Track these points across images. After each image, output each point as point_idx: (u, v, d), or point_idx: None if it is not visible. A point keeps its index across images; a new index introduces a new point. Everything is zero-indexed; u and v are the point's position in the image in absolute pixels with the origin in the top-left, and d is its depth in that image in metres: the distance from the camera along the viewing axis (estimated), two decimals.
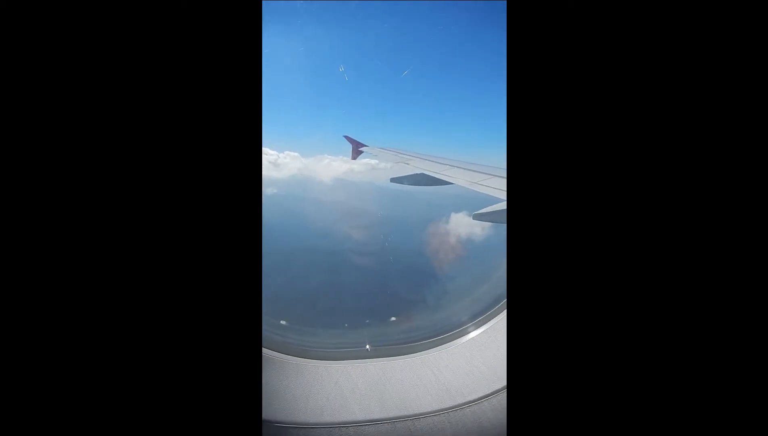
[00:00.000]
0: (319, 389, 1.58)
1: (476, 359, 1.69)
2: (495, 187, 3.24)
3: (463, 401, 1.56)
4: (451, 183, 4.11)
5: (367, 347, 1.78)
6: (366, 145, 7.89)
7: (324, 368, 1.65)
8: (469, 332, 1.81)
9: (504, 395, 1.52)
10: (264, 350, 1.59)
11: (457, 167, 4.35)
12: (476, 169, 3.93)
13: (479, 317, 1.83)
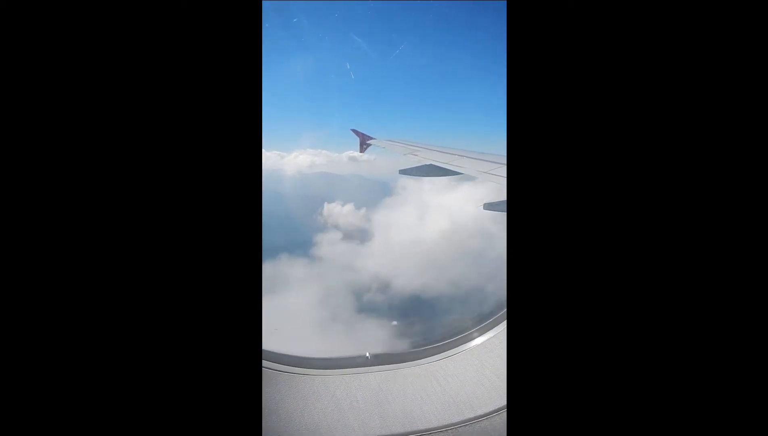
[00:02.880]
0: (315, 402, 1.46)
1: (486, 367, 1.55)
2: (505, 177, 3.09)
3: (473, 415, 1.42)
4: (461, 173, 4.02)
5: (367, 354, 1.66)
6: (373, 138, 7.85)
7: (320, 379, 1.52)
8: (477, 337, 1.67)
9: None
10: None
11: (467, 157, 4.27)
12: (486, 159, 3.81)
13: (487, 320, 1.69)
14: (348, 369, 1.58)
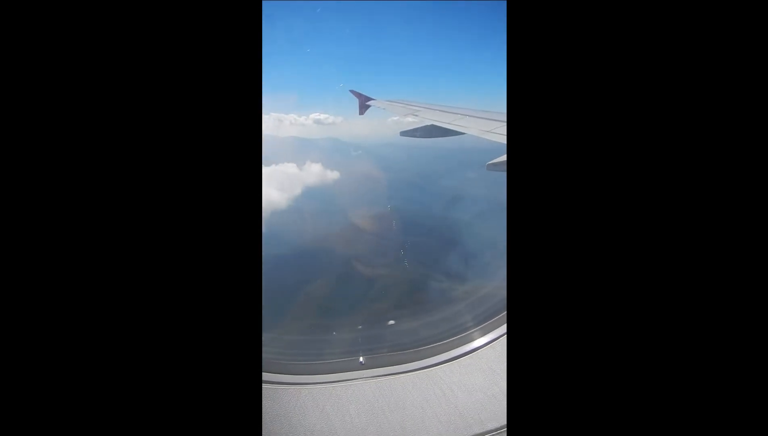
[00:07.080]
0: (301, 419, 1.32)
1: (496, 373, 1.41)
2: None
3: (481, 430, 1.28)
4: (463, 133, 3.94)
5: (361, 359, 1.53)
6: (373, 99, 7.67)
7: (307, 391, 1.38)
8: (483, 336, 1.53)
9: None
10: None
11: (469, 116, 4.16)
12: (489, 117, 3.60)
13: (494, 317, 1.54)
14: (339, 376, 1.45)
